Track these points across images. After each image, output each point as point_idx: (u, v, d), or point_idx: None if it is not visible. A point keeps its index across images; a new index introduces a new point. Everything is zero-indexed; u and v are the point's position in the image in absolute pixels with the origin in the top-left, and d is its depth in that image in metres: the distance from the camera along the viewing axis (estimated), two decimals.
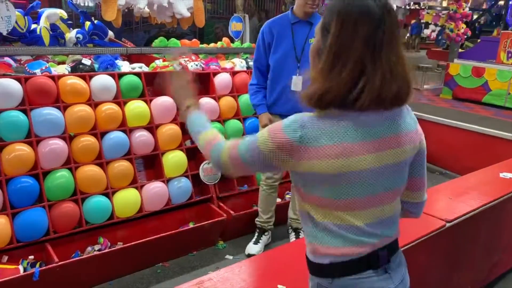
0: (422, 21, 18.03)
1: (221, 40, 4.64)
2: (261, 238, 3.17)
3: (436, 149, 5.23)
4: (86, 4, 4.19)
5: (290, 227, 3.24)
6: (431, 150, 4.92)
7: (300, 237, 3.17)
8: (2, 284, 2.33)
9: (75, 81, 2.97)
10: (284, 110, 2.80)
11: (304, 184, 1.15)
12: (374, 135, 1.10)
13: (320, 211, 1.15)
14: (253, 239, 3.17)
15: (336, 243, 1.16)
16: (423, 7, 18.88)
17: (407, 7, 19.47)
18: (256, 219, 3.19)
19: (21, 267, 2.55)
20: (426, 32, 21.89)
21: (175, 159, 3.24)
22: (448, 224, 2.34)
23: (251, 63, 3.95)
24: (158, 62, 3.67)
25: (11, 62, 3.27)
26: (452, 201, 2.69)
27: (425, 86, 9.01)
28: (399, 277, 1.25)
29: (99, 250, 2.84)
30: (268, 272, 1.90)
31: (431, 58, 12.42)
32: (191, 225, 3.21)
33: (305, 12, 2.77)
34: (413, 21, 19.24)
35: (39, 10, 3.97)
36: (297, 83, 2.77)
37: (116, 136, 3.05)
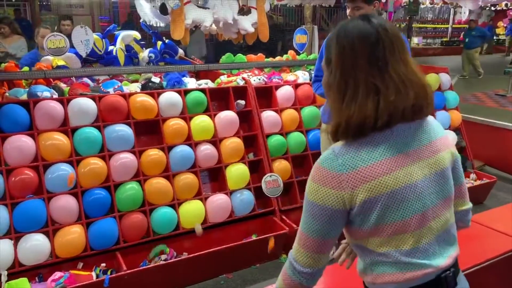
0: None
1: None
2: None
3: None
4: (158, 25, 4.43)
5: None
6: None
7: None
8: None
9: (144, 98, 3.15)
10: None
11: (362, 221, 1.10)
12: (409, 145, 1.10)
13: (378, 240, 1.11)
14: None
15: (398, 270, 1.12)
16: (510, 7, 17.63)
17: (492, 8, 18.27)
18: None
19: (94, 274, 2.71)
20: None
21: (238, 172, 3.29)
22: None
23: None
24: (223, 78, 3.78)
25: (89, 82, 3.55)
26: None
27: None
28: None
29: (165, 260, 2.95)
30: (331, 285, 1.86)
31: None
32: (254, 237, 3.23)
33: None
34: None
35: (116, 33, 4.27)
36: None
37: (182, 149, 3.17)
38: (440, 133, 1.18)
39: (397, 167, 1.07)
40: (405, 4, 15.28)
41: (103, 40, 3.90)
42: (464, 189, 1.28)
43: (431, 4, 17.29)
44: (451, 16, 19.31)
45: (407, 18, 16.92)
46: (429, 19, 20.62)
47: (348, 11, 2.81)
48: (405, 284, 1.11)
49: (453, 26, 19.52)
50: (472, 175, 4.31)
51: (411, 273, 1.10)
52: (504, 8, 17.64)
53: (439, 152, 1.14)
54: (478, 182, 4.22)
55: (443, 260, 1.13)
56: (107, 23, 12.33)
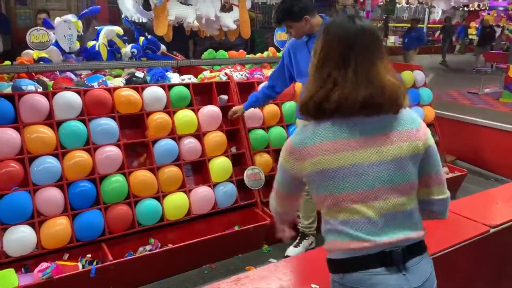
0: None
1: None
2: (302, 242, 3.22)
3: (493, 156, 5.05)
4: (140, 21, 4.46)
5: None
6: (488, 157, 4.78)
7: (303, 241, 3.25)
8: (64, 278, 2.56)
9: (129, 92, 3.20)
10: None
11: (314, 188, 1.32)
12: (362, 133, 1.26)
13: (327, 210, 1.30)
14: (294, 242, 3.23)
15: (343, 238, 1.27)
16: (483, 8, 18.16)
17: (466, 8, 18.79)
18: (298, 224, 3.25)
19: (80, 264, 2.76)
20: None
21: (220, 165, 3.38)
22: (492, 230, 2.29)
23: None
24: (206, 73, 3.85)
25: (73, 76, 3.57)
26: (499, 206, 2.62)
27: (484, 90, 8.66)
28: (417, 280, 1.27)
29: (150, 250, 3.01)
30: (303, 272, 1.97)
31: (489, 60, 11.85)
32: (236, 228, 3.32)
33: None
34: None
35: (98, 28, 4.29)
36: None
37: (166, 143, 3.23)
38: (409, 126, 1.28)
39: (339, 150, 1.25)
40: (381, 3, 15.61)
41: (79, 20, 3.84)
42: (441, 178, 1.35)
43: (407, 4, 17.64)
44: (426, 16, 19.74)
45: (384, 17, 17.32)
46: (405, 18, 21.03)
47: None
48: (350, 253, 1.25)
49: (428, 26, 19.95)
50: (445, 169, 4.50)
51: (352, 243, 1.24)
52: (477, 8, 18.18)
53: (396, 143, 1.25)
54: (450, 175, 4.42)
55: (387, 238, 1.24)
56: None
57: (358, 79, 1.23)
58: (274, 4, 6.88)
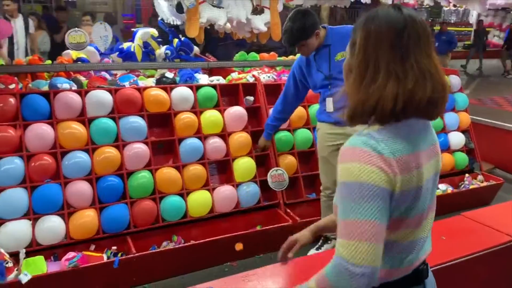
0: None
1: None
2: (324, 245, 3.21)
3: None
4: (174, 23, 4.60)
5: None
6: None
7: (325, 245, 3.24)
8: (89, 268, 2.68)
9: (157, 92, 3.31)
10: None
11: (397, 211, 1.07)
12: (424, 143, 1.12)
13: (395, 235, 1.11)
14: (316, 245, 3.23)
15: (402, 264, 1.14)
16: None
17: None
18: None
19: (105, 256, 2.88)
20: None
21: (244, 165, 3.43)
22: None
23: None
24: (234, 75, 3.92)
25: (107, 76, 3.73)
26: None
27: None
28: None
29: (173, 246, 3.10)
30: (313, 272, 1.97)
31: None
32: (258, 228, 3.36)
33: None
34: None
35: (134, 30, 4.46)
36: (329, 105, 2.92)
37: (192, 142, 3.32)
38: (436, 138, 1.21)
39: (422, 163, 1.08)
40: (427, 6, 15.19)
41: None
42: None
43: (454, 7, 17.08)
44: (475, 19, 19.04)
45: (429, 20, 16.84)
46: (452, 21, 20.35)
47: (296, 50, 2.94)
48: (391, 278, 1.14)
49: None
50: (480, 177, 4.35)
51: (410, 267, 1.15)
52: None
53: (438, 155, 1.18)
54: (485, 184, 4.26)
55: (423, 257, 1.20)
56: (130, 20, 12.63)
57: (423, 73, 1.06)
58: (309, 6, 6.87)
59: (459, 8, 18.86)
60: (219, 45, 7.67)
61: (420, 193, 1.07)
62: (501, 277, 2.27)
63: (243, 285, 1.85)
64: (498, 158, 5.06)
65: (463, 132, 4.49)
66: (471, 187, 4.15)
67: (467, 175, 4.30)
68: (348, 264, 0.98)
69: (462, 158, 4.33)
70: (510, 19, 18.28)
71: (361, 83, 1.08)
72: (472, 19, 15.35)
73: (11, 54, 5.05)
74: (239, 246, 3.05)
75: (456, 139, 4.35)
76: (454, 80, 4.53)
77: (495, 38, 19.35)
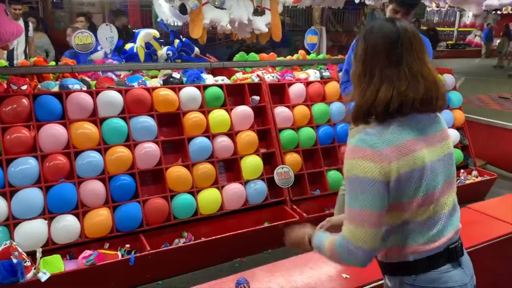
0: None
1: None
2: None
3: None
4: (175, 24, 4.65)
5: None
6: None
7: None
8: (105, 265, 2.73)
9: (166, 92, 3.37)
10: None
11: (394, 193, 1.22)
12: (426, 132, 1.27)
13: (398, 215, 1.25)
14: None
15: (421, 240, 1.27)
16: None
17: (498, 12, 18.40)
18: None
19: (119, 253, 2.93)
20: None
21: (252, 163, 3.51)
22: None
23: (325, 74, 4.13)
24: (238, 75, 3.99)
25: (114, 76, 3.77)
26: None
27: None
28: (470, 272, 1.35)
29: (184, 243, 3.15)
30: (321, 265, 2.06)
31: None
32: (266, 225, 3.43)
33: None
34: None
35: (136, 31, 4.49)
36: None
37: (201, 141, 3.39)
38: (444, 124, 1.37)
39: (422, 147, 1.23)
40: None
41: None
42: None
43: (437, 7, 17.43)
44: (457, 19, 19.44)
45: (413, 20, 17.14)
46: (435, 21, 20.74)
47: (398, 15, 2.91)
48: (424, 253, 1.26)
49: (459, 29, 19.64)
50: (474, 172, 4.50)
51: (432, 243, 1.25)
52: (510, 12, 17.78)
53: (447, 139, 1.32)
54: (479, 179, 4.41)
55: (449, 232, 1.30)
56: None
57: (414, 76, 1.22)
58: (304, 8, 6.98)
59: (441, 9, 19.23)
60: (208, 46, 7.72)
61: (424, 173, 1.22)
62: (508, 265, 2.39)
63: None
64: (490, 154, 5.24)
65: (458, 129, 4.65)
66: (467, 182, 4.29)
67: (462, 170, 4.45)
68: (348, 243, 1.23)
69: (457, 155, 4.48)
70: (491, 20, 18.75)
71: (360, 88, 1.27)
72: (469, 19, 15.72)
73: (10, 56, 5.01)
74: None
75: (452, 136, 4.48)
76: (448, 79, 4.68)
77: (477, 38, 19.85)
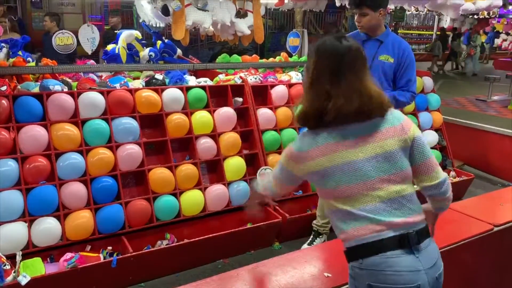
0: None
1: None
2: (316, 240, 3.34)
3: (500, 162, 5.14)
4: (157, 25, 4.63)
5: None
6: (495, 162, 4.86)
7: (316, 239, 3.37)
8: (87, 268, 2.70)
9: (149, 93, 3.36)
10: None
11: (317, 183, 1.51)
12: (355, 135, 1.43)
13: (332, 202, 1.47)
14: (308, 241, 3.36)
15: (362, 223, 1.40)
16: (492, 16, 18.19)
17: (475, 16, 18.84)
18: (313, 222, 3.38)
19: (101, 256, 2.91)
20: (497, 41, 21.06)
21: (235, 164, 3.52)
22: (496, 228, 2.41)
23: None
24: (221, 76, 4.00)
25: (95, 77, 3.74)
26: (503, 207, 2.73)
27: (493, 98, 8.72)
28: (428, 262, 1.41)
29: (167, 245, 3.15)
30: (317, 262, 2.10)
31: (498, 68, 11.92)
32: (249, 226, 3.45)
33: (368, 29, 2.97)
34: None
35: (117, 32, 4.46)
36: None
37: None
38: (394, 123, 1.46)
39: (334, 151, 1.42)
40: (391, 10, 15.71)
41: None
42: (432, 164, 1.49)
43: (416, 11, 17.72)
44: (436, 23, 19.80)
45: (393, 24, 17.42)
46: (414, 25, 21.09)
47: (355, 17, 2.97)
48: (368, 238, 1.38)
49: (437, 33, 20.00)
50: (452, 173, 4.60)
51: (372, 226, 1.38)
52: (487, 16, 18.21)
53: (384, 139, 1.43)
54: (457, 179, 4.52)
55: (399, 219, 1.39)
56: (99, 22, 12.42)
57: (350, 92, 1.39)
58: (286, 10, 7.03)
59: (421, 12, 19.56)
60: (190, 47, 7.73)
61: (347, 169, 1.40)
62: (485, 263, 2.46)
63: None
64: (467, 155, 5.37)
65: (436, 130, 4.75)
66: None
67: None
68: (265, 183, 1.75)
69: (436, 155, 4.57)
70: (468, 24, 19.18)
71: (306, 98, 1.46)
72: (446, 23, 16.06)
73: None
74: None
75: (430, 137, 4.60)
76: (427, 81, 4.77)
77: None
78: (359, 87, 1.41)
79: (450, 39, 16.00)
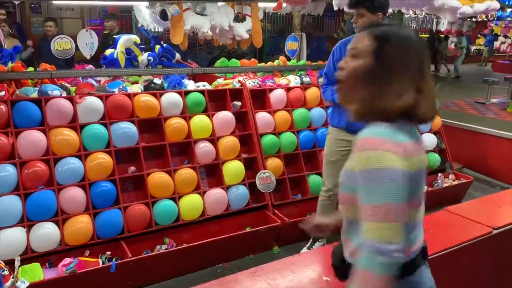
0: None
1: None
2: (315, 244, 3.34)
3: (500, 164, 5.14)
4: (156, 30, 4.65)
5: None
6: (494, 165, 4.87)
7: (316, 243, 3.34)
8: (86, 273, 2.70)
9: (147, 98, 3.36)
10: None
11: None
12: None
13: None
14: (307, 245, 3.35)
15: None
16: (491, 19, 18.25)
17: (473, 19, 18.91)
18: None
19: (100, 261, 2.90)
20: (495, 44, 21.09)
21: (233, 168, 3.52)
22: (495, 231, 2.41)
23: (305, 80, 4.18)
24: (220, 81, 4.01)
25: (94, 82, 3.74)
26: (502, 210, 2.73)
27: (491, 100, 8.73)
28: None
29: (166, 249, 3.14)
30: (317, 266, 2.09)
31: (497, 71, 11.94)
32: (248, 230, 3.45)
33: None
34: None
35: (116, 36, 4.47)
36: None
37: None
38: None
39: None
40: (390, 14, 15.75)
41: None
42: None
43: (414, 14, 17.77)
44: (434, 26, 19.84)
45: None
46: (412, 28, 21.14)
47: (353, 18, 2.93)
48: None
49: (427, 36, 20.05)
50: (451, 176, 4.60)
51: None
52: (485, 19, 18.26)
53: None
54: (456, 182, 4.52)
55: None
56: (98, 26, 12.45)
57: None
58: (284, 14, 7.05)
59: (419, 16, 19.61)
60: (189, 51, 7.74)
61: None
62: (485, 266, 2.46)
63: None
64: (466, 157, 5.37)
65: (435, 133, 4.75)
66: (444, 185, 4.39)
67: (439, 174, 4.55)
68: (380, 245, 1.05)
69: (435, 158, 4.57)
70: (467, 26, 19.24)
71: (385, 91, 1.20)
72: (444, 26, 16.11)
73: None
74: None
75: (429, 140, 4.60)
76: None
77: (452, 44, 20.28)
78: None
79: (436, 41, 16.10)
